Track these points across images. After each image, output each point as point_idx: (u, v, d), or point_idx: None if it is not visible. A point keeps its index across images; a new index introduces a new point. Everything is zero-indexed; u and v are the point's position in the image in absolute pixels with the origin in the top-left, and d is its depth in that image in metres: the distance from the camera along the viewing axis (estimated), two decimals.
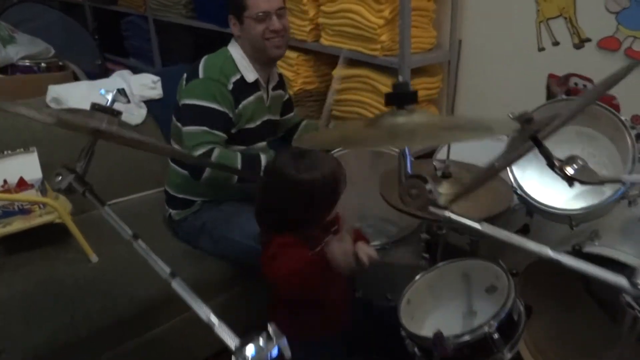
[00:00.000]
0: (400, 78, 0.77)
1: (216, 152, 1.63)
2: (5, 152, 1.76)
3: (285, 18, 1.76)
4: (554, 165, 0.90)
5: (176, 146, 1.82)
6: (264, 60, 1.78)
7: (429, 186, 0.81)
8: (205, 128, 1.65)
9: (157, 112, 2.17)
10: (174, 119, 1.82)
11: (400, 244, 1.73)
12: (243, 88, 1.74)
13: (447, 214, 0.81)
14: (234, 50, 1.76)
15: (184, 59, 3.19)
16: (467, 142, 2.03)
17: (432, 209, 0.81)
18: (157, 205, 1.99)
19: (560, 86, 2.01)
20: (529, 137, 0.93)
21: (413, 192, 0.81)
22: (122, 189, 2.09)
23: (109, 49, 3.85)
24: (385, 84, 2.12)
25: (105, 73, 3.75)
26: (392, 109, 0.78)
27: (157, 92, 2.15)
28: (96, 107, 0.87)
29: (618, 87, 1.10)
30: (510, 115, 1.08)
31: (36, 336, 1.45)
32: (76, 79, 3.04)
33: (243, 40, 1.75)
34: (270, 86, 1.87)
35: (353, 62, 2.21)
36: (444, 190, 1.46)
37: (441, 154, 2.01)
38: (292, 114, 2.05)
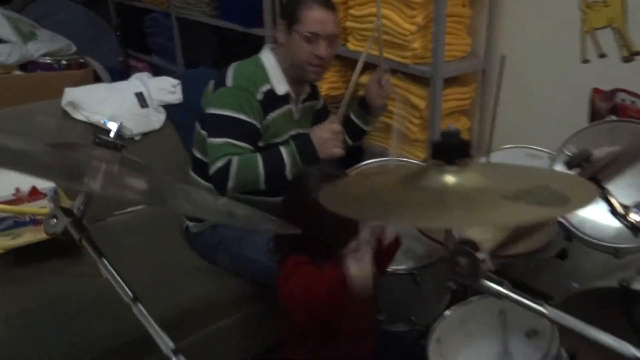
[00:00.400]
0: (451, 126, 0.63)
1: (235, 160, 1.54)
2: None
3: (334, 46, 1.67)
4: (617, 213, 0.79)
5: (198, 155, 1.74)
6: (298, 78, 1.69)
7: (481, 255, 0.68)
8: (229, 140, 1.56)
9: (177, 117, 2.09)
10: (198, 126, 1.73)
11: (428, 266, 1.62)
12: (272, 100, 1.64)
13: (504, 290, 0.68)
14: (267, 58, 1.67)
15: (206, 58, 3.12)
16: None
17: (484, 282, 0.68)
18: (175, 214, 1.91)
19: (605, 102, 1.86)
20: (589, 179, 0.82)
21: (462, 261, 0.67)
22: None
23: (131, 46, 3.79)
24: (415, 94, 2.01)
25: (127, 70, 3.70)
26: (437, 163, 0.65)
27: (176, 96, 2.07)
28: (98, 141, 0.77)
29: None
30: (568, 152, 0.96)
31: (43, 358, 1.38)
32: (96, 77, 2.98)
33: (284, 50, 1.66)
34: (301, 98, 1.77)
35: None
36: None
37: None
38: None
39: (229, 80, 1.61)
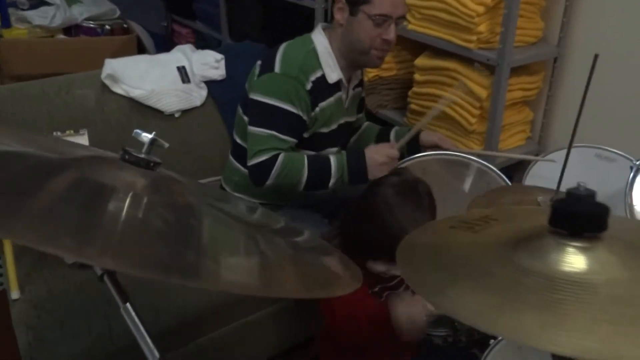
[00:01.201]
0: (581, 185, 0.45)
1: (281, 159, 1.43)
2: (55, 134, 1.63)
3: (399, 26, 1.50)
4: None
5: (239, 140, 1.64)
6: (357, 63, 1.54)
7: None
8: (273, 132, 1.44)
9: (219, 95, 1.98)
10: (239, 110, 1.62)
11: None
12: (323, 88, 1.51)
13: None
14: (320, 41, 1.52)
15: (252, 28, 2.98)
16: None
17: None
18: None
19: None
20: None
21: None
22: (179, 174, 1.93)
23: (176, 11, 3.68)
24: (477, 82, 1.83)
25: (170, 36, 3.61)
26: (557, 232, 0.46)
27: (219, 72, 1.95)
28: (127, 158, 0.65)
29: None
30: None
31: (72, 345, 1.34)
32: (139, 43, 2.89)
33: (342, 32, 1.50)
34: (352, 85, 1.63)
35: (441, 52, 1.92)
36: None
37: (539, 170, 1.72)
38: (360, 115, 1.81)
39: (277, 65, 1.47)
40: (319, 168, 1.48)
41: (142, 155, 0.64)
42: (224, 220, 0.73)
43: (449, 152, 1.71)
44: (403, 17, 1.49)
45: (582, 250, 0.45)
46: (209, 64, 1.93)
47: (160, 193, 0.62)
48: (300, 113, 1.47)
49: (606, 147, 1.64)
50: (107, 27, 2.81)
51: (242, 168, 1.62)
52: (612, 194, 1.61)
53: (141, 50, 2.95)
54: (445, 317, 1.56)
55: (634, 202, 1.36)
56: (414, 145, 1.73)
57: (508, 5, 1.66)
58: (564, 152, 1.74)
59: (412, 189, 1.11)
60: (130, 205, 0.56)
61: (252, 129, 1.48)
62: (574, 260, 0.44)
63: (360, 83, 1.70)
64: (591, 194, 0.46)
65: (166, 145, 0.66)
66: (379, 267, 1.10)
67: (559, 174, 1.63)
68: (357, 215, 1.15)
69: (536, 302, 0.41)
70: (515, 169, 2.08)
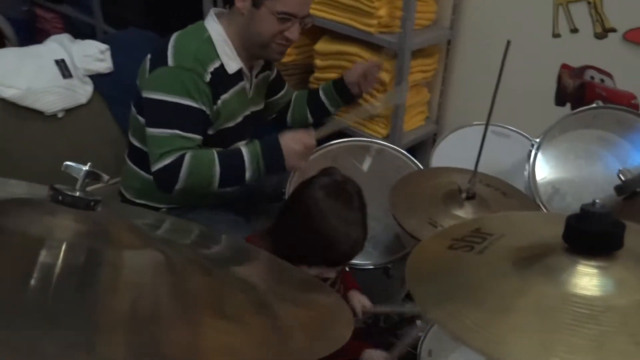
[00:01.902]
0: (598, 202, 0.43)
1: (187, 159, 1.31)
2: None
3: (304, 25, 1.43)
4: None
5: (136, 143, 1.48)
6: (255, 55, 1.45)
7: None
8: (175, 131, 1.32)
9: (106, 89, 1.79)
10: (133, 110, 1.46)
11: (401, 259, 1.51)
12: (223, 79, 1.40)
13: None
14: (214, 29, 1.40)
15: (131, 13, 2.73)
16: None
17: None
18: (111, 202, 1.65)
19: (573, 78, 1.80)
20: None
21: None
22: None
23: None
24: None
25: (33, 21, 3.21)
26: (570, 250, 0.44)
27: (105, 64, 1.76)
28: (60, 199, 0.53)
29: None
30: (622, 177, 0.86)
31: None
32: None
33: (242, 22, 1.39)
34: (255, 72, 1.54)
35: (340, 37, 1.90)
36: (468, 214, 1.24)
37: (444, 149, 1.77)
38: (282, 92, 1.72)
39: (170, 58, 1.34)
40: (231, 162, 1.38)
41: (78, 194, 0.52)
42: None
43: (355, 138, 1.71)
44: (309, 16, 1.42)
45: (597, 271, 0.44)
46: (93, 55, 1.73)
47: (101, 233, 0.51)
48: (202, 107, 1.35)
49: (502, 124, 1.74)
50: None
51: (142, 173, 1.48)
52: (510, 166, 1.73)
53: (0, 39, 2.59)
54: None
55: (537, 178, 1.45)
56: (343, 91, 1.69)
57: None
58: (463, 131, 1.85)
59: (342, 190, 1.08)
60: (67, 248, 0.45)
61: (151, 130, 1.34)
62: (590, 283, 0.42)
63: (267, 67, 1.60)
64: (607, 213, 0.44)
65: (105, 177, 0.55)
66: (313, 271, 1.07)
67: (462, 153, 1.72)
68: (289, 220, 1.10)
69: (557, 325, 0.39)
70: (418, 148, 2.15)
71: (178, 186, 1.33)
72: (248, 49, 1.43)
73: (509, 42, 1.13)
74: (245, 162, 1.38)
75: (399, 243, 1.50)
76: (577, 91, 1.79)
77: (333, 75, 1.95)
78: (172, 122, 1.32)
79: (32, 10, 3.23)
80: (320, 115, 1.74)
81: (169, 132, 1.32)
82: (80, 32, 3.10)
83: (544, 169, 1.55)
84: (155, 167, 1.33)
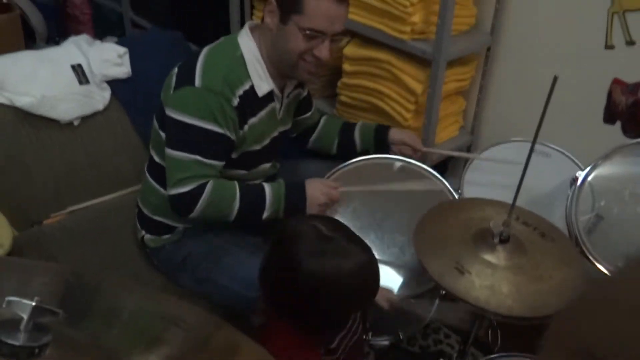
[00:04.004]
0: None
1: (209, 189, 1.25)
2: None
3: (337, 44, 1.33)
4: None
5: (156, 158, 1.42)
6: (285, 74, 1.36)
7: None
8: (196, 157, 1.25)
9: (124, 95, 1.72)
10: (155, 124, 1.39)
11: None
12: (252, 103, 1.31)
13: None
14: (247, 47, 1.31)
15: (158, 3, 2.65)
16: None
17: None
18: (128, 213, 1.58)
19: (626, 95, 1.64)
20: None
21: None
22: (85, 191, 1.67)
23: None
24: (411, 75, 1.71)
25: (63, 6, 3.17)
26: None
27: (123, 69, 1.69)
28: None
29: None
30: None
31: None
32: (25, 23, 2.49)
33: (271, 38, 1.29)
34: (287, 93, 1.44)
35: (371, 41, 1.77)
36: (500, 260, 1.13)
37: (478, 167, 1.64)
38: (310, 113, 1.63)
39: (198, 77, 1.25)
40: (253, 199, 1.32)
41: (20, 342, 0.44)
42: None
43: (376, 156, 1.60)
44: (341, 34, 1.30)
45: None
46: (111, 60, 1.66)
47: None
48: (227, 133, 1.27)
49: (542, 142, 1.60)
50: None
51: (161, 189, 1.42)
52: (549, 189, 1.60)
53: (28, 30, 2.55)
54: (389, 325, 1.51)
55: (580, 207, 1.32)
56: (382, 144, 1.62)
57: None
58: (501, 147, 1.71)
59: (322, 241, 0.95)
60: None
61: (171, 152, 1.27)
62: None
63: (299, 84, 1.51)
64: None
65: (58, 311, 0.46)
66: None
67: (498, 173, 1.59)
68: (306, 307, 0.95)
69: None
70: (450, 162, 2.03)
71: (193, 215, 1.28)
72: (279, 68, 1.34)
73: (555, 78, 0.99)
74: (266, 202, 1.34)
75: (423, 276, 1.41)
76: (630, 109, 1.63)
77: (362, 81, 1.84)
78: (194, 147, 1.25)
79: None
80: (346, 150, 1.64)
81: (189, 157, 1.25)
82: (108, 19, 3.06)
83: (588, 197, 1.41)
84: (173, 192, 1.27)
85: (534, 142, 1.10)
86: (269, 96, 1.36)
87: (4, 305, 0.44)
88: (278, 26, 1.27)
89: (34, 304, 0.43)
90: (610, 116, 1.69)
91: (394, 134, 1.61)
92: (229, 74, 1.27)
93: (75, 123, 1.61)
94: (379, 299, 1.16)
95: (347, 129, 1.64)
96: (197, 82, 1.25)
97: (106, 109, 1.67)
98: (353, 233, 1.00)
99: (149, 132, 1.45)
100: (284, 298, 0.97)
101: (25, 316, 0.43)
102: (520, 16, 1.75)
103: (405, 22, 1.62)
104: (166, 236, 1.45)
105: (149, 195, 1.47)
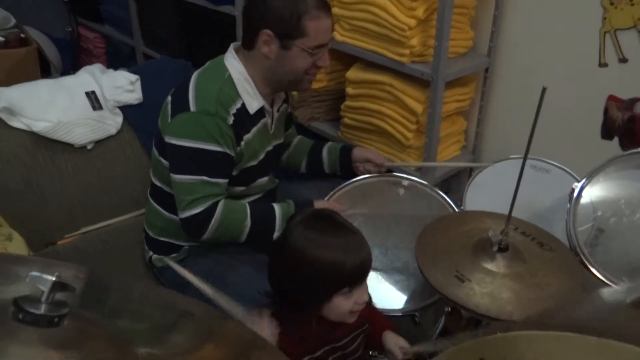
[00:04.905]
0: None
1: (220, 209, 1.30)
2: None
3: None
4: None
5: (157, 182, 1.47)
6: (285, 89, 1.44)
7: None
8: (203, 177, 1.30)
9: (136, 120, 1.79)
10: (155, 152, 1.45)
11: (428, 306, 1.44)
12: (245, 119, 1.37)
13: None
14: (234, 67, 1.37)
15: (167, 33, 2.76)
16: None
17: None
18: (138, 234, 1.63)
19: (622, 111, 1.68)
20: None
21: None
22: (97, 213, 1.73)
23: (81, 13, 3.36)
24: (411, 96, 1.77)
25: (77, 40, 3.30)
26: None
27: (135, 95, 1.77)
28: (21, 317, 0.49)
29: None
30: None
31: None
32: (41, 56, 2.60)
33: (267, 64, 1.36)
34: (276, 107, 1.51)
35: (372, 65, 1.84)
36: (499, 268, 1.16)
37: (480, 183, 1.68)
38: (290, 130, 1.70)
39: (192, 103, 1.31)
40: (262, 219, 1.37)
41: (41, 312, 0.49)
42: None
43: (387, 171, 1.66)
44: (332, 39, 1.43)
45: None
46: (123, 87, 1.74)
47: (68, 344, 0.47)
48: (227, 150, 1.33)
49: (541, 158, 1.64)
50: (1, 38, 2.50)
51: (164, 212, 1.47)
52: (549, 205, 1.62)
53: (44, 62, 2.66)
54: None
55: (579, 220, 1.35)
56: (346, 163, 1.67)
57: (440, 18, 1.60)
58: (501, 164, 1.75)
59: (317, 217, 1.05)
60: None
61: (177, 177, 1.32)
62: None
63: (285, 99, 1.59)
64: None
65: (75, 287, 0.51)
66: (345, 304, 1.02)
67: (499, 188, 1.62)
68: (286, 275, 1.03)
69: None
70: (453, 180, 2.07)
71: (206, 236, 1.32)
72: (274, 86, 1.41)
73: (544, 89, 1.04)
74: (276, 222, 1.38)
75: (428, 289, 1.43)
76: (626, 125, 1.67)
77: (365, 104, 1.90)
78: (199, 169, 1.30)
79: (76, 30, 3.32)
80: (313, 170, 1.72)
81: (196, 179, 1.30)
82: (121, 51, 3.18)
83: (588, 210, 1.44)
84: (185, 215, 1.31)
85: (527, 151, 1.14)
86: (260, 112, 1.41)
87: (27, 280, 0.48)
88: (279, 53, 1.33)
89: (54, 278, 0.48)
90: (607, 132, 1.73)
91: (357, 153, 1.66)
92: (221, 94, 1.32)
93: (89, 147, 1.68)
94: (393, 347, 1.16)
95: (316, 149, 1.71)
96: (192, 107, 1.30)
97: (118, 132, 1.74)
98: (349, 223, 1.06)
99: None
100: (274, 268, 1.05)
101: (45, 290, 0.48)
102: (515, 38, 1.81)
103: (404, 45, 1.69)
104: (172, 255, 1.49)
105: (153, 218, 1.52)
